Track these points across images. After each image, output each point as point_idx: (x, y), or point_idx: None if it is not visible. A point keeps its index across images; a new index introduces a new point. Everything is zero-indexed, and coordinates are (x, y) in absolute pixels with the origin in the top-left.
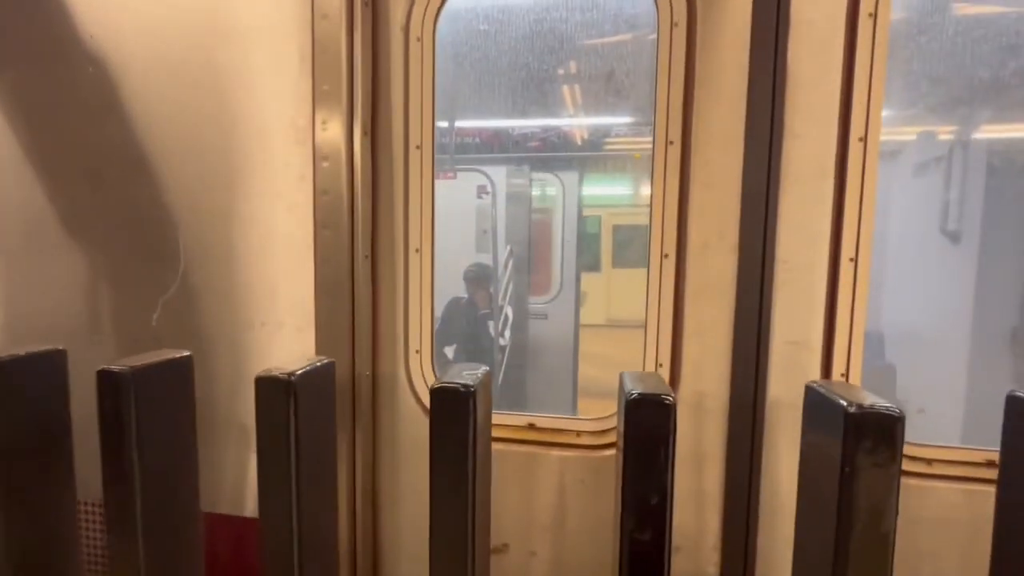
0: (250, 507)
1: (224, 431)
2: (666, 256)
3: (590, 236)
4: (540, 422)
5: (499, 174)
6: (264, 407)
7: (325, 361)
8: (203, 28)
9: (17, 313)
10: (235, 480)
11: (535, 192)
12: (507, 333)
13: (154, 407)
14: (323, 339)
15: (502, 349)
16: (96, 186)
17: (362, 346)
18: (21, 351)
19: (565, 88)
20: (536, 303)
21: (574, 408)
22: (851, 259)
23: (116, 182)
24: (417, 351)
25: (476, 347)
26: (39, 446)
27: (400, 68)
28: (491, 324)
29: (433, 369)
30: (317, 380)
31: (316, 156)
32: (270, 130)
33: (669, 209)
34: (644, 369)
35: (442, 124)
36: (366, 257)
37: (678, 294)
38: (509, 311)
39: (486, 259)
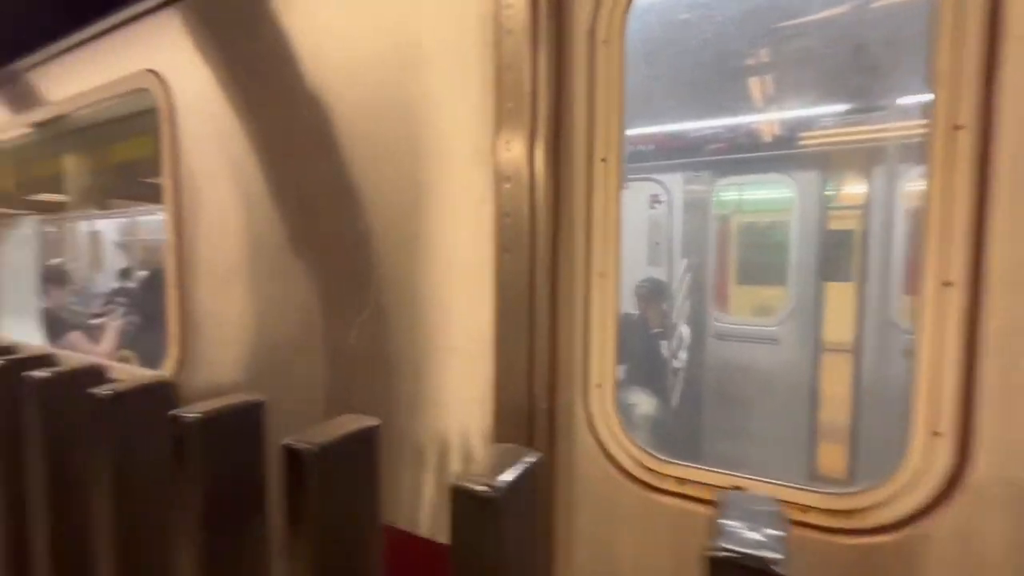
0: (425, 526)
1: (398, 448)
2: (948, 284)
3: (833, 244)
4: (755, 487)
5: (674, 182)
6: (460, 517)
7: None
8: (393, 63)
9: (250, 323)
10: (411, 498)
11: (732, 197)
12: (682, 354)
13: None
14: (502, 368)
15: (675, 372)
16: (310, 216)
17: (540, 377)
18: (223, 404)
19: (789, 73)
20: (735, 323)
21: (806, 469)
22: None
23: (325, 213)
24: (598, 385)
25: (647, 369)
26: (238, 492)
27: (584, 76)
28: (664, 344)
29: (616, 407)
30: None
31: (498, 177)
32: (452, 154)
33: (957, 218)
34: (915, 437)
35: None
36: (546, 282)
37: (970, 336)
38: (685, 330)
39: (659, 273)
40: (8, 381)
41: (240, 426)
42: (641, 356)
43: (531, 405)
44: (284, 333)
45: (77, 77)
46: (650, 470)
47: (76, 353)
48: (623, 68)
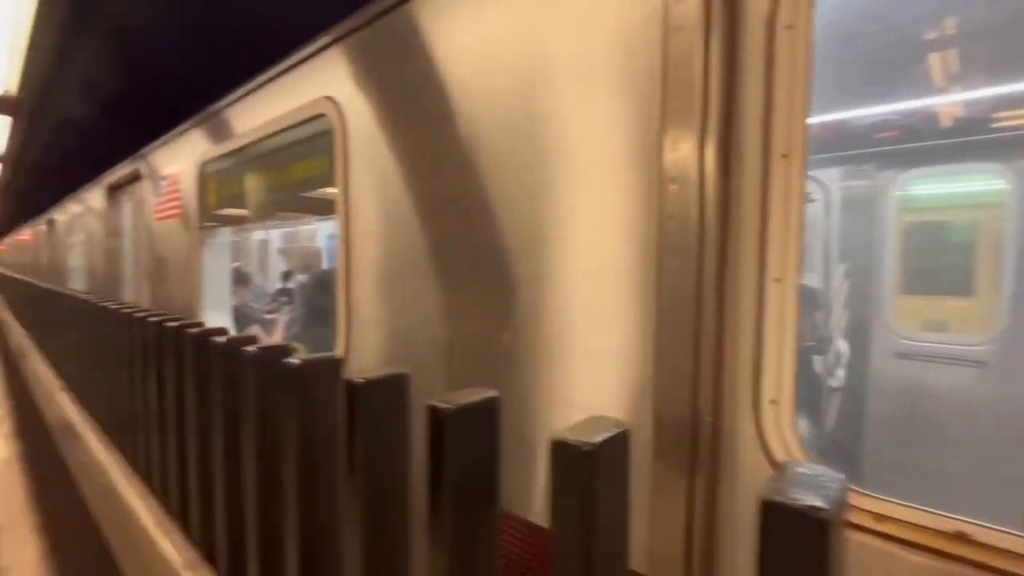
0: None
1: (524, 445)
2: None
3: None
4: (985, 536)
5: (830, 177)
6: (561, 471)
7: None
8: (543, 71)
9: (403, 326)
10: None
11: (906, 192)
12: (840, 372)
13: (467, 431)
14: (661, 376)
15: (832, 392)
16: (456, 223)
17: (705, 388)
18: (372, 375)
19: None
20: (917, 338)
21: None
22: None
23: (471, 219)
24: (773, 401)
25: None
26: (383, 460)
27: (760, 66)
28: (819, 360)
29: (794, 426)
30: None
31: (663, 179)
32: (609, 158)
33: None
34: None
35: None
36: (714, 287)
37: None
38: (843, 345)
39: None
40: (258, 368)
41: (479, 417)
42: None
43: (694, 418)
44: (435, 332)
45: (266, 108)
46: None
47: None
48: (810, 54)
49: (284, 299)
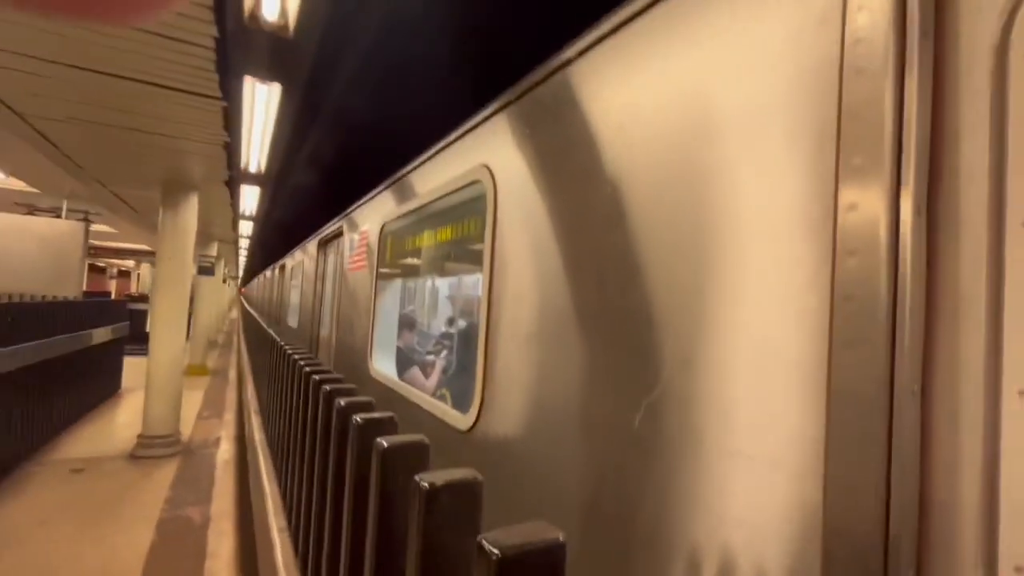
0: None
1: (666, 554)
2: None
3: None
4: None
5: None
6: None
7: None
8: (694, 130)
9: (540, 388)
10: None
11: None
12: None
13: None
14: (835, 498)
15: None
16: (601, 288)
17: (903, 520)
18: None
19: None
20: None
21: None
22: None
23: (616, 285)
24: (1019, 569)
25: None
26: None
27: (984, 105)
28: None
29: None
30: None
31: (838, 250)
32: (771, 223)
33: None
34: None
35: None
36: (913, 393)
37: None
38: None
39: None
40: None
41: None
42: None
43: (884, 568)
44: (569, 401)
45: (434, 176)
46: None
47: (412, 385)
48: None
49: (447, 343)
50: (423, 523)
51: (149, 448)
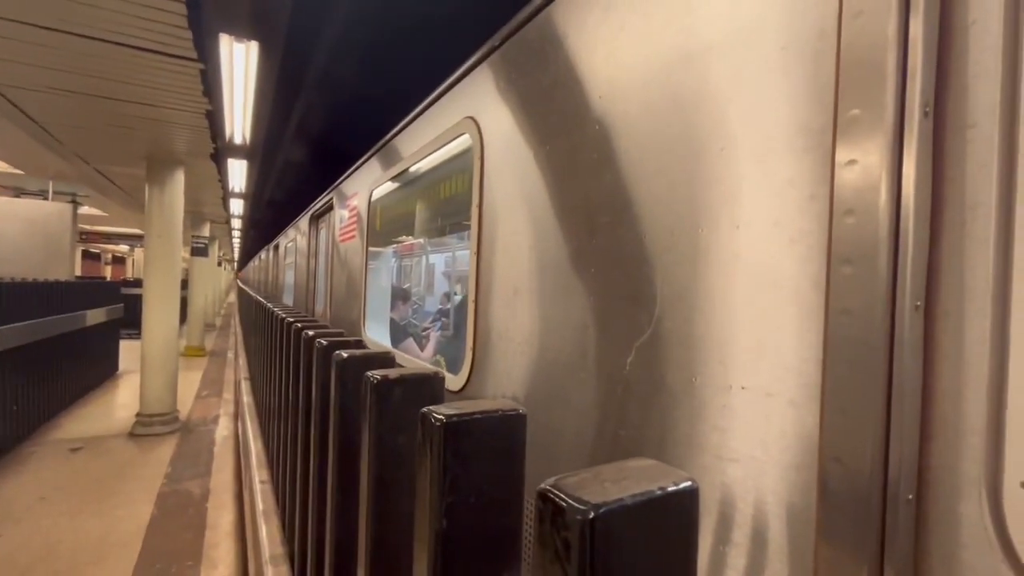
0: None
1: None
2: None
3: None
4: None
5: None
6: None
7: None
8: (684, 62)
9: (531, 340)
10: None
11: None
12: None
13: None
14: (832, 423)
15: None
16: (592, 232)
17: (904, 442)
18: (491, 408)
19: None
20: None
21: None
22: None
23: (606, 228)
24: None
25: None
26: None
27: (998, 31)
28: None
29: None
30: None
31: (836, 164)
32: (766, 144)
33: None
34: None
35: None
36: (916, 307)
37: None
38: None
39: None
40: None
41: (501, 432)
42: None
43: (884, 490)
44: (560, 352)
45: (420, 135)
46: None
47: (406, 354)
48: None
49: (443, 318)
50: (375, 421)
51: (148, 426)
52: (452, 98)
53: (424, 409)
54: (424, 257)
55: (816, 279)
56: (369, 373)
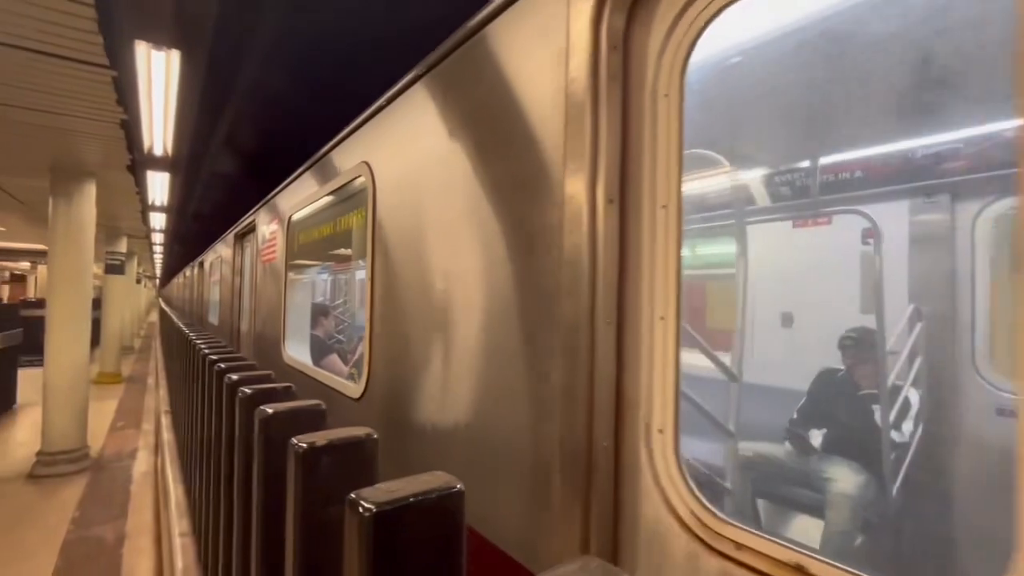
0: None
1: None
2: None
3: None
4: (821, 569)
5: (892, 212)
6: None
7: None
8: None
9: (413, 360)
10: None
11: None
12: (907, 426)
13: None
14: (565, 404)
15: (895, 447)
16: (439, 280)
17: (602, 415)
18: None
19: None
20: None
21: None
22: None
23: (438, 250)
24: (660, 431)
25: (852, 436)
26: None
27: (648, 130)
28: (877, 411)
29: (676, 454)
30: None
31: (566, 226)
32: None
33: None
34: None
35: (802, 164)
36: (608, 324)
37: None
38: (913, 396)
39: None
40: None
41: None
42: (844, 421)
43: (591, 442)
44: (428, 368)
45: (331, 169)
46: (706, 527)
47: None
48: (681, 119)
49: (351, 326)
50: (302, 487)
51: (51, 466)
52: (355, 141)
53: (352, 495)
54: (334, 278)
55: (551, 312)
56: (295, 440)
